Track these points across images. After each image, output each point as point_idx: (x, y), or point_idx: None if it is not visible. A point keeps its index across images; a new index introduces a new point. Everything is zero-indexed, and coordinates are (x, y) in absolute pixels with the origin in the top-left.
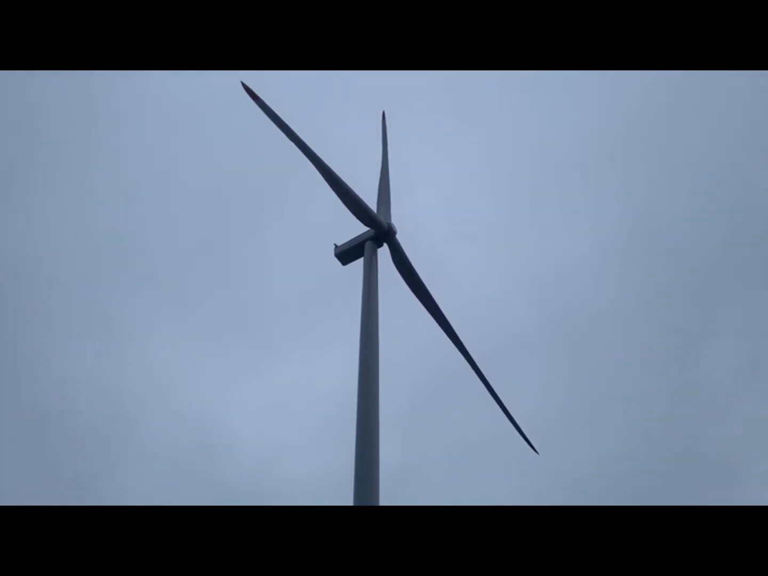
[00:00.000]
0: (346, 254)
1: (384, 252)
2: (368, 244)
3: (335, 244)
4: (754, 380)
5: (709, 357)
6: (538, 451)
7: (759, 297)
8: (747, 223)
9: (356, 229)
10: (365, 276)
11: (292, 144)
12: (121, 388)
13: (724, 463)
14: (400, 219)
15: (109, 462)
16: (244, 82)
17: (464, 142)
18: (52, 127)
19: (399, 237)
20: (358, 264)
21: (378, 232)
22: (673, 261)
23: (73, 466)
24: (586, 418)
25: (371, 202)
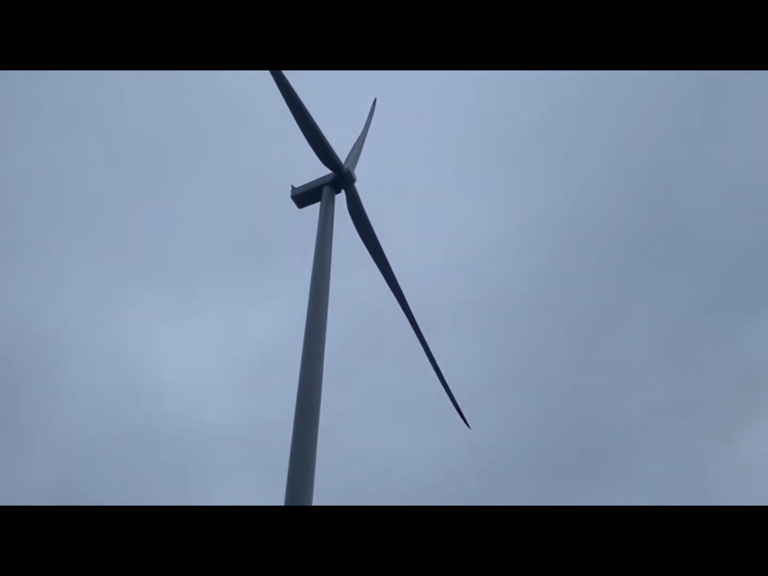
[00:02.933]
0: (302, 197)
1: (342, 199)
2: (326, 189)
3: (292, 186)
4: (659, 360)
5: (619, 336)
6: (470, 425)
7: (668, 282)
8: (664, 212)
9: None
10: (320, 222)
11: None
12: (38, 326)
13: (628, 434)
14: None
15: (23, 399)
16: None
17: (410, 126)
18: None
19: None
20: (315, 209)
21: (337, 176)
22: (591, 244)
23: None
24: (501, 390)
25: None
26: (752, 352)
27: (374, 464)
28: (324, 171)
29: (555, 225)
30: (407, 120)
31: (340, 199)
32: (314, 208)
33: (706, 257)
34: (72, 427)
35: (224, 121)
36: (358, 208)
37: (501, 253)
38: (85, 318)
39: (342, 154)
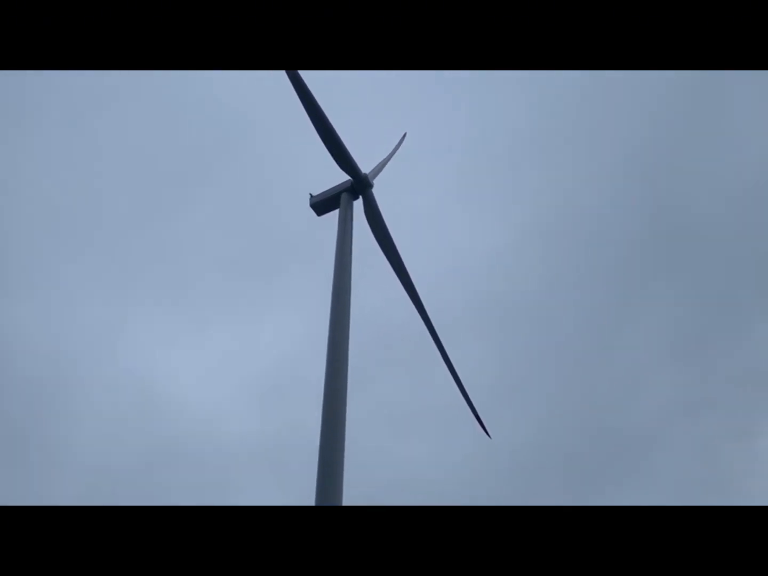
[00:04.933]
0: (321, 204)
1: (360, 206)
2: (344, 196)
3: (310, 194)
4: (668, 361)
5: (627, 339)
6: (490, 435)
7: (677, 282)
8: (666, 215)
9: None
10: (340, 228)
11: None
12: (61, 348)
13: (640, 435)
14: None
15: (50, 418)
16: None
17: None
18: None
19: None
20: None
21: (354, 181)
22: (594, 250)
23: (12, 423)
24: (512, 396)
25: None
26: (765, 349)
27: (392, 472)
28: (341, 178)
29: (562, 229)
30: (408, 126)
31: (359, 205)
32: (326, 216)
33: (713, 256)
34: (94, 446)
35: (233, 131)
36: (375, 212)
37: (511, 259)
38: (101, 339)
39: (360, 162)
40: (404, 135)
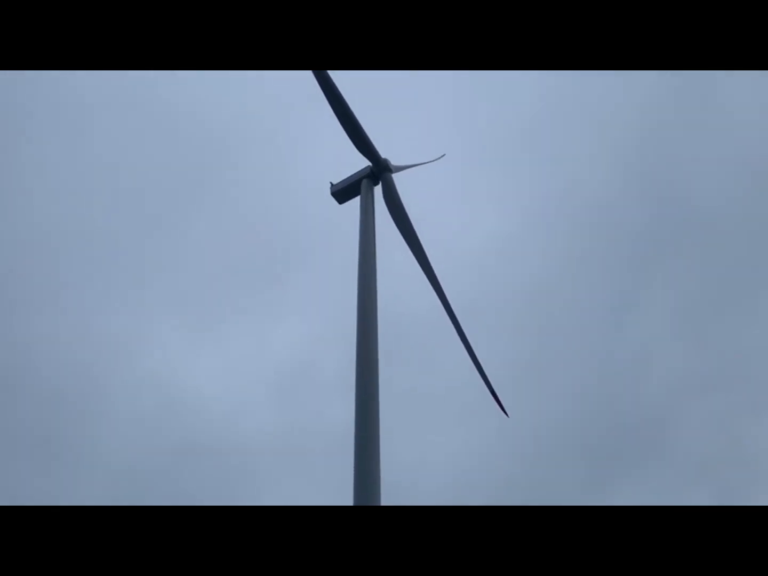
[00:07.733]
0: (342, 193)
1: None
2: (365, 182)
3: (331, 183)
4: (678, 339)
5: (637, 318)
6: (508, 413)
7: (684, 261)
8: (673, 201)
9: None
10: (362, 215)
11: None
12: (79, 357)
13: (653, 416)
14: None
15: (76, 425)
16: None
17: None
18: None
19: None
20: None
21: (374, 165)
22: (605, 234)
23: (40, 430)
24: (524, 379)
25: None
26: None
27: (415, 454)
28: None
29: (568, 215)
30: (405, 115)
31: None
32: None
33: (719, 234)
34: (119, 448)
35: (241, 125)
36: (393, 195)
37: (526, 244)
38: (118, 346)
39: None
40: (442, 155)
